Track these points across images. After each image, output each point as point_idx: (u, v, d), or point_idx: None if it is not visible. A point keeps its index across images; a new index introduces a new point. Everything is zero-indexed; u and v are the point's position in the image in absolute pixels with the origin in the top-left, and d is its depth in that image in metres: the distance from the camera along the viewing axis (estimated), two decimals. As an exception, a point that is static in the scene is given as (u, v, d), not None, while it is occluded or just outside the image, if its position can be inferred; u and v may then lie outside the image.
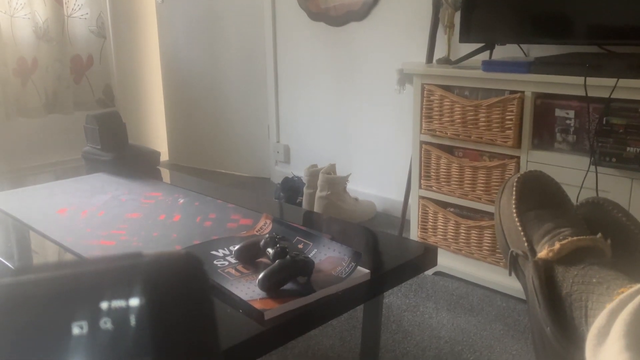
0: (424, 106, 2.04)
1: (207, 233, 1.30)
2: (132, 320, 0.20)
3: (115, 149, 1.90)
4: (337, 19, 2.84)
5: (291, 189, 2.85)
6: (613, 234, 0.74)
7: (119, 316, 0.20)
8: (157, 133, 3.89)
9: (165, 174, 1.94)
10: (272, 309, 0.93)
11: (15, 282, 0.20)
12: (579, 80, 1.62)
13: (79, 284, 0.20)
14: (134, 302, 0.20)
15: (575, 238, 0.70)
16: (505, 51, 2.10)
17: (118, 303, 0.20)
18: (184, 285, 0.21)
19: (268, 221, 1.28)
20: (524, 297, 0.72)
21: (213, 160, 3.64)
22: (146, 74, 3.82)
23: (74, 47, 3.46)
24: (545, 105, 1.76)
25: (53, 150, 3.44)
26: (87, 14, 3.47)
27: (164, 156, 3.77)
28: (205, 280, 0.22)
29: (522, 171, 0.83)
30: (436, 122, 2.01)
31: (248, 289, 0.99)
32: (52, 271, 0.20)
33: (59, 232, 1.32)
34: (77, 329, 0.19)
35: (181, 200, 1.54)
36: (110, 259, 0.21)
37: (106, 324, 0.19)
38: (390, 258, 1.21)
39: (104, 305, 0.20)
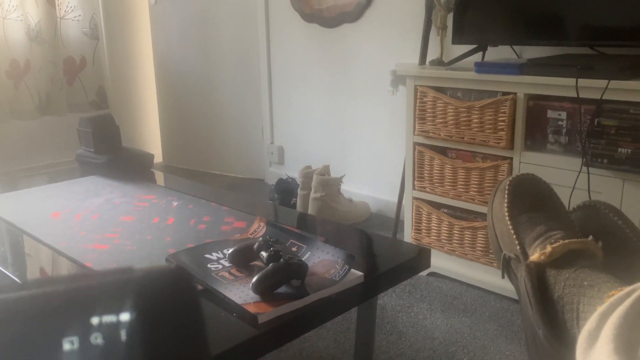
0: (417, 107, 2.04)
1: (201, 236, 1.30)
2: (124, 335, 0.20)
3: (109, 151, 1.90)
4: (331, 20, 2.84)
5: (285, 190, 2.86)
6: (608, 237, 0.75)
7: (110, 331, 0.20)
8: (150, 135, 3.89)
9: (159, 176, 1.94)
10: (266, 312, 0.93)
11: (6, 298, 0.20)
12: (571, 81, 1.63)
13: (71, 300, 0.20)
14: (125, 317, 0.20)
15: (566, 241, 0.70)
16: (498, 53, 2.11)
17: (109, 318, 0.20)
18: (174, 300, 0.21)
19: (262, 224, 1.28)
20: (517, 297, 0.72)
21: (207, 161, 3.64)
22: (139, 76, 3.82)
23: (67, 49, 3.45)
24: (537, 106, 1.77)
25: (46, 153, 3.43)
26: (79, 15, 3.46)
27: (158, 158, 3.76)
28: (195, 295, 0.22)
29: (514, 172, 0.84)
30: (429, 123, 2.02)
31: (242, 293, 1.00)
32: (44, 287, 0.20)
33: (53, 236, 1.32)
34: (69, 344, 0.19)
35: (175, 203, 1.54)
36: (102, 275, 0.21)
37: (97, 339, 0.20)
38: (383, 260, 1.21)
39: (96, 320, 0.20)
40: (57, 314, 0.19)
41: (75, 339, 0.19)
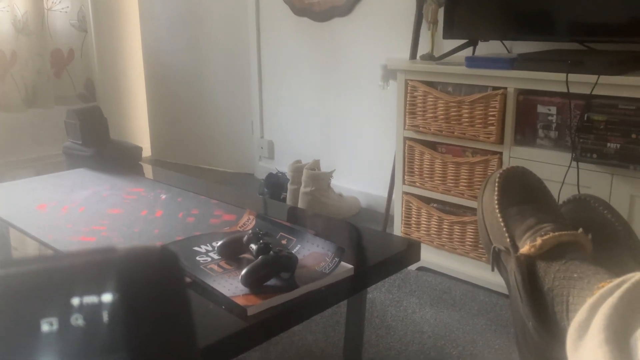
0: (407, 102, 2.04)
1: (189, 229, 1.29)
2: (105, 317, 0.19)
3: (97, 144, 1.88)
4: (321, 14, 2.83)
5: (275, 185, 2.85)
6: (597, 230, 0.75)
7: (91, 312, 0.19)
8: (139, 128, 3.86)
9: (148, 169, 1.92)
10: (255, 305, 0.93)
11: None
12: (561, 76, 1.64)
13: (50, 280, 0.19)
14: (107, 298, 0.19)
15: (556, 233, 0.70)
16: (489, 47, 2.11)
17: (90, 299, 0.19)
18: (159, 281, 0.20)
19: (251, 217, 1.27)
20: (506, 292, 0.72)
21: (196, 155, 3.62)
22: (128, 69, 3.78)
23: (55, 40, 3.41)
24: (527, 101, 1.78)
25: (33, 146, 3.39)
26: (67, 7, 3.42)
27: (147, 152, 3.74)
28: (181, 275, 0.22)
29: (504, 167, 0.84)
30: (420, 118, 2.01)
31: (231, 285, 0.99)
32: (21, 267, 0.20)
33: (39, 228, 1.30)
34: (47, 325, 0.18)
35: (163, 196, 1.52)
36: (83, 254, 0.21)
37: (77, 320, 0.19)
38: (373, 253, 1.21)
39: (76, 301, 0.19)
40: (34, 294, 0.19)
41: (55, 320, 0.18)
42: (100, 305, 0.19)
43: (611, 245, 0.75)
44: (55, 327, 0.18)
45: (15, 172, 2.00)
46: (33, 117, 3.36)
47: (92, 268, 0.20)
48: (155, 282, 0.20)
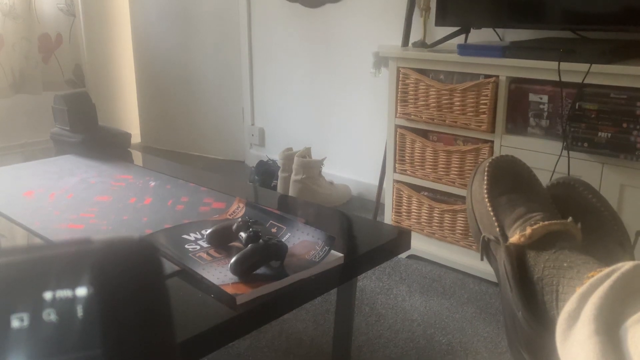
0: (399, 90, 2.03)
1: (178, 217, 1.28)
2: (80, 312, 0.18)
3: (85, 130, 1.86)
4: (313, 0, 2.80)
5: (266, 173, 2.83)
6: (584, 216, 0.75)
7: (65, 307, 0.18)
8: (128, 115, 3.82)
9: (137, 156, 1.91)
10: (245, 293, 0.92)
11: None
12: (553, 65, 1.63)
13: (21, 273, 0.18)
14: (82, 292, 0.19)
15: (546, 222, 0.70)
16: (481, 35, 2.10)
17: (64, 293, 0.18)
18: (136, 273, 0.20)
19: (241, 205, 1.26)
20: (495, 280, 0.72)
21: (186, 142, 3.60)
22: (118, 54, 3.74)
23: (42, 25, 3.36)
24: (519, 89, 1.77)
25: (20, 132, 3.35)
26: (55, -9, 3.36)
27: (136, 138, 3.71)
28: (160, 268, 0.21)
29: (495, 156, 0.83)
30: (411, 106, 2.01)
31: (220, 274, 0.98)
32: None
33: (25, 215, 1.29)
34: (18, 321, 0.18)
35: (152, 183, 1.51)
36: (57, 246, 0.20)
37: (50, 315, 0.18)
38: (364, 242, 1.21)
39: (49, 295, 0.18)
40: (4, 289, 0.18)
41: (25, 316, 0.18)
42: (74, 300, 0.18)
43: (599, 232, 0.75)
44: (26, 322, 0.18)
45: (1, 158, 1.98)
46: (20, 103, 3.32)
47: (66, 260, 0.19)
48: (133, 275, 0.19)
